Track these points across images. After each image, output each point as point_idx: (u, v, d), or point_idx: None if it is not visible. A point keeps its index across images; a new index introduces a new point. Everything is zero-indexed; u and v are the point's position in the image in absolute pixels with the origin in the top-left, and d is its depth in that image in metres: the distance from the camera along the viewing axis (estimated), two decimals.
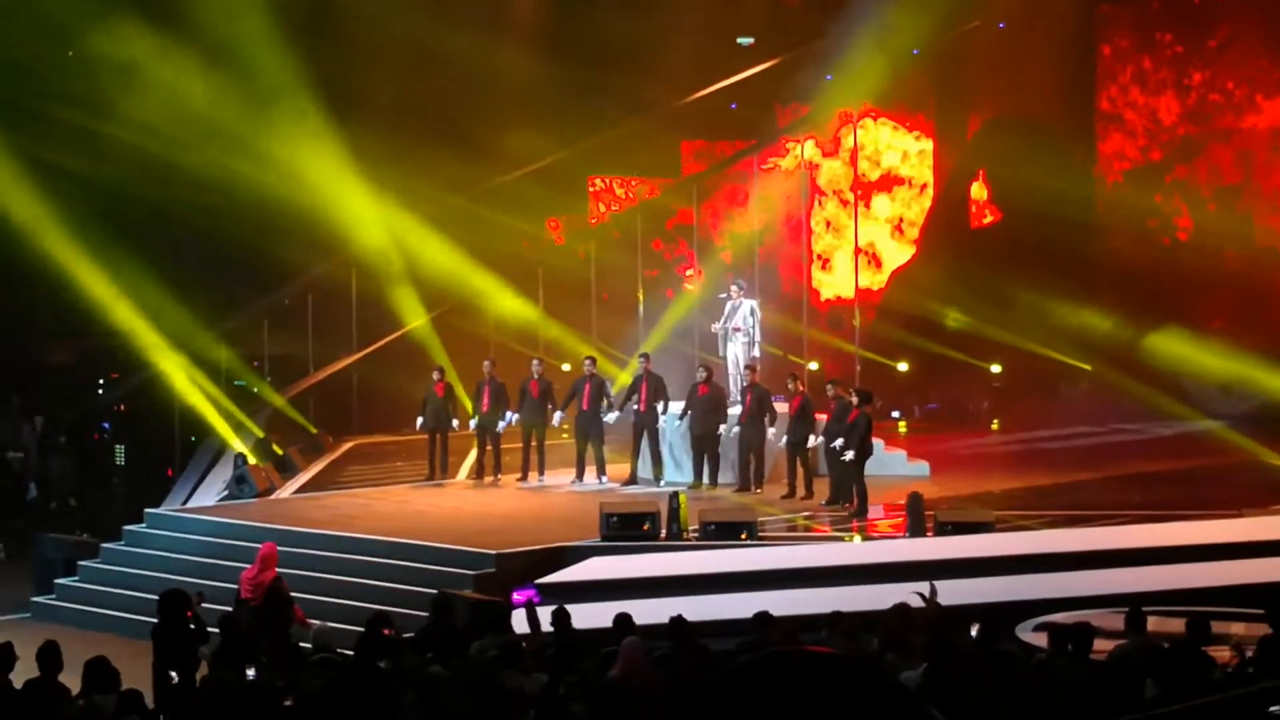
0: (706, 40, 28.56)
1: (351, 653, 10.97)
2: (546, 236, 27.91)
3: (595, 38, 27.30)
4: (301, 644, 12.42)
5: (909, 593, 12.36)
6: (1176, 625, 11.69)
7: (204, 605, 13.02)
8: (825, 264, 31.70)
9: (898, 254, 32.01)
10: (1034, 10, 28.87)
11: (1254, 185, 29.96)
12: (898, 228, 32.03)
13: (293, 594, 14.27)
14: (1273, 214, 29.73)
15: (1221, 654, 10.98)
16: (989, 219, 31.71)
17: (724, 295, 22.07)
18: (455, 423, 22.27)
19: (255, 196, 24.80)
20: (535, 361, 22.44)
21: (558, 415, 21.74)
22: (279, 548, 15.87)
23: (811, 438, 20.01)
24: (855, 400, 19.32)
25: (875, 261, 31.71)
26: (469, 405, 22.56)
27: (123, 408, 26.20)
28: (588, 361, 21.86)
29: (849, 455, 18.91)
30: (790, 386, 20.37)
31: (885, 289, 31.72)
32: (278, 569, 15.06)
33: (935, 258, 31.62)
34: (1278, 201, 29.79)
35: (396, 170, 26.46)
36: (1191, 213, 30.18)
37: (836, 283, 31.39)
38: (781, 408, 20.72)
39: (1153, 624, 11.96)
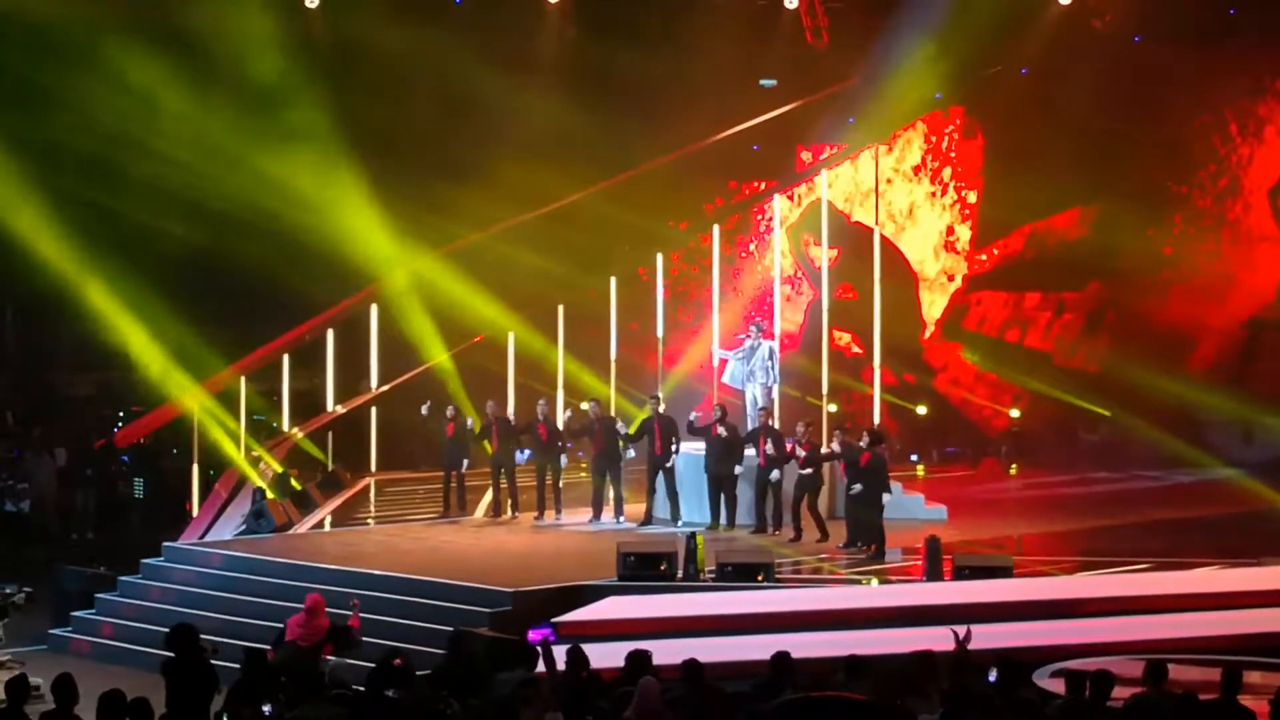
0: (730, 82, 28.66)
1: (364, 689, 10.96)
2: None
3: (619, 80, 27.42)
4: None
5: (931, 636, 12.29)
6: (1193, 674, 11.63)
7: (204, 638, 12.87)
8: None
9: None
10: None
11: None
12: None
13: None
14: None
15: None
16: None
17: (743, 336, 22.10)
18: (465, 461, 22.44)
19: (279, 233, 24.92)
20: (541, 402, 22.49)
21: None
22: (294, 581, 15.86)
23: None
24: (866, 442, 19.35)
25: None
26: (485, 444, 22.66)
27: (142, 440, 26.24)
28: (593, 405, 22.02)
29: (886, 498, 19.06)
30: (799, 431, 20.37)
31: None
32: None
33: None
34: None
35: (420, 207, 26.57)
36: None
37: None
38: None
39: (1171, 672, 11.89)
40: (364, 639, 15.86)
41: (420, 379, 27.17)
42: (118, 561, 20.14)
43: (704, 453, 20.99)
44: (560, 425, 22.31)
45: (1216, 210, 30.63)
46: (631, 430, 21.90)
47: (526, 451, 22.10)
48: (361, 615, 16.80)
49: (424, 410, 23.20)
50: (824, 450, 20.45)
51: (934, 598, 16.46)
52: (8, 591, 16.77)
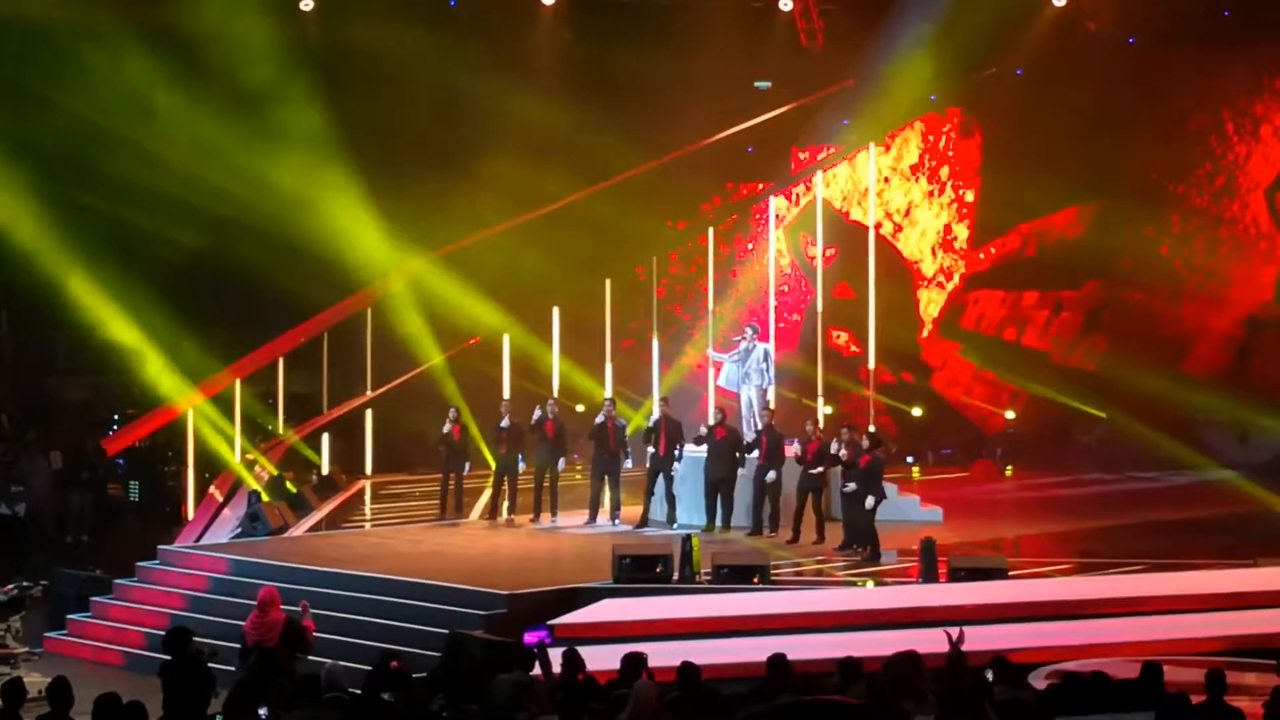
0: (725, 84, 28.68)
1: (361, 691, 10.95)
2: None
3: (615, 81, 27.42)
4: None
5: (927, 637, 12.29)
6: (1188, 675, 11.63)
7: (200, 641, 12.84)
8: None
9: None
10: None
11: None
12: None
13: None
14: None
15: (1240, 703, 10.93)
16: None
17: (738, 338, 22.09)
18: (468, 465, 22.44)
19: (274, 235, 24.92)
20: (549, 402, 22.43)
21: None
22: (290, 585, 15.83)
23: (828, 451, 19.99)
24: (866, 444, 19.34)
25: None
26: (485, 448, 22.64)
27: (138, 443, 26.25)
28: (608, 404, 21.96)
29: (869, 502, 18.95)
30: (808, 429, 20.36)
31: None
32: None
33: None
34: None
35: (416, 209, 26.57)
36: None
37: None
38: (793, 450, 20.69)
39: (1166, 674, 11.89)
40: (361, 641, 15.96)
41: (416, 381, 27.17)
42: (113, 565, 20.12)
43: (705, 455, 20.97)
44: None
45: (1214, 209, 30.66)
46: (630, 432, 21.91)
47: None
48: (358, 617, 16.94)
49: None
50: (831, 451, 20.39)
51: (930, 599, 16.45)
52: (25, 584, 16.82)
